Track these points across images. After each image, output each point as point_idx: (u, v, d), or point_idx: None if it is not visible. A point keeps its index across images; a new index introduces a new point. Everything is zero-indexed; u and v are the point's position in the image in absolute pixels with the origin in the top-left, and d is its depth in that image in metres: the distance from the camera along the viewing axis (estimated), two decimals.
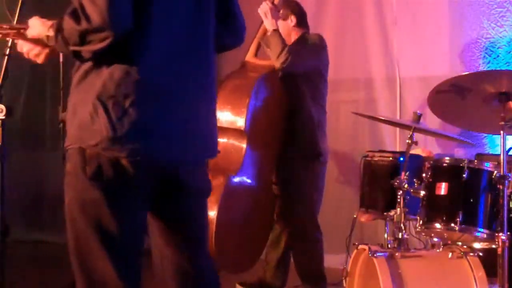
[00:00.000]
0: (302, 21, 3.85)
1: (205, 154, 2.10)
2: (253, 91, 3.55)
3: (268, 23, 3.64)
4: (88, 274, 1.89)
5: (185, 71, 1.96)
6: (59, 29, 1.81)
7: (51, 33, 1.85)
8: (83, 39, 1.78)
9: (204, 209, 2.15)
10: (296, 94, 3.69)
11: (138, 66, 1.84)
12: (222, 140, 3.56)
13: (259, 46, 3.82)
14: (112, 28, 1.75)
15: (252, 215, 3.66)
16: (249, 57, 3.83)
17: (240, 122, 3.50)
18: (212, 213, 3.35)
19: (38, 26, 1.94)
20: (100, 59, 1.84)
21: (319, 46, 3.77)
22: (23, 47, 2.01)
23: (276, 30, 3.63)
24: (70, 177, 1.92)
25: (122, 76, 1.83)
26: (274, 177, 3.77)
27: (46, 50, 1.98)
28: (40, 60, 2.01)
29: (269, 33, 3.63)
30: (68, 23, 1.79)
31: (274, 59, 3.57)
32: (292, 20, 3.80)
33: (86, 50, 1.80)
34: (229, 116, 3.52)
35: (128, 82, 1.83)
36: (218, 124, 3.54)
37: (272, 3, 3.68)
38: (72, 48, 1.82)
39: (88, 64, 1.87)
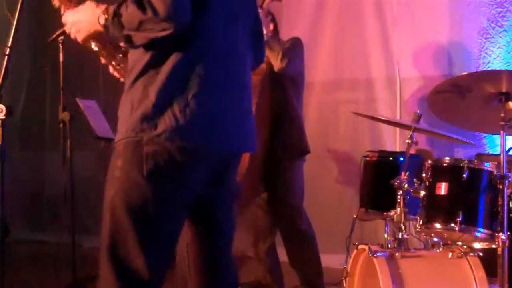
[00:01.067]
0: (276, 27, 3.97)
1: (251, 149, 2.18)
2: (258, 93, 3.60)
3: (265, 29, 3.70)
4: (120, 267, 1.91)
5: (236, 74, 2.06)
6: (116, 13, 1.89)
7: (105, 15, 1.93)
8: (140, 26, 1.85)
9: (234, 204, 2.21)
10: (282, 95, 3.77)
11: (201, 62, 1.93)
12: None
13: None
14: (174, 21, 1.83)
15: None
16: None
17: None
18: None
19: (91, 9, 2.01)
20: (160, 55, 1.91)
21: (302, 50, 3.86)
22: (68, 17, 2.07)
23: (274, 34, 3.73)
24: (119, 172, 1.93)
25: (186, 71, 1.91)
26: (261, 177, 3.80)
27: (90, 30, 2.02)
28: (80, 37, 2.06)
29: (266, 38, 3.69)
30: (131, 10, 1.85)
31: (278, 60, 3.64)
32: (271, 26, 3.90)
33: (142, 36, 1.88)
34: None
35: (191, 76, 1.91)
36: None
37: (261, 7, 3.72)
38: (126, 32, 1.88)
39: (145, 61, 1.93)
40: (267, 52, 3.73)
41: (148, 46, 1.92)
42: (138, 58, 1.96)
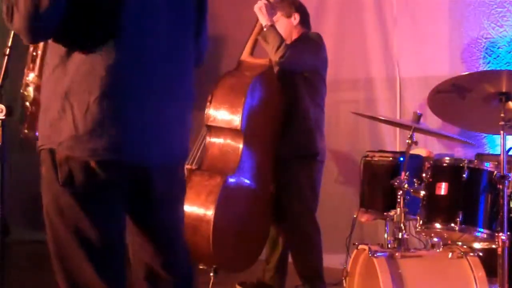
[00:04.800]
0: (305, 21, 3.86)
1: (173, 158, 2.01)
2: (249, 90, 3.55)
3: (263, 19, 3.65)
4: (70, 277, 1.87)
5: (158, 75, 1.88)
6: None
7: None
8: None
9: (178, 213, 2.09)
10: (293, 94, 3.70)
11: (105, 62, 1.78)
12: (218, 140, 3.56)
13: (254, 45, 3.81)
14: (26, 36, 1.76)
15: (251, 215, 3.65)
16: (245, 56, 3.82)
17: (236, 121, 3.49)
18: (209, 213, 3.35)
19: None
20: (66, 54, 1.80)
21: (318, 45, 3.77)
22: None
23: (272, 25, 3.64)
24: (45, 181, 1.90)
25: (87, 71, 1.77)
26: (272, 177, 3.78)
27: None
28: None
29: (265, 29, 3.63)
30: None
31: (272, 53, 3.57)
32: (296, 18, 3.81)
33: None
34: (225, 116, 3.52)
35: (93, 78, 1.77)
36: (214, 124, 3.56)
37: (268, 0, 3.68)
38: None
39: (56, 59, 1.83)
40: (262, 44, 3.68)
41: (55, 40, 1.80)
42: (49, 55, 1.87)
